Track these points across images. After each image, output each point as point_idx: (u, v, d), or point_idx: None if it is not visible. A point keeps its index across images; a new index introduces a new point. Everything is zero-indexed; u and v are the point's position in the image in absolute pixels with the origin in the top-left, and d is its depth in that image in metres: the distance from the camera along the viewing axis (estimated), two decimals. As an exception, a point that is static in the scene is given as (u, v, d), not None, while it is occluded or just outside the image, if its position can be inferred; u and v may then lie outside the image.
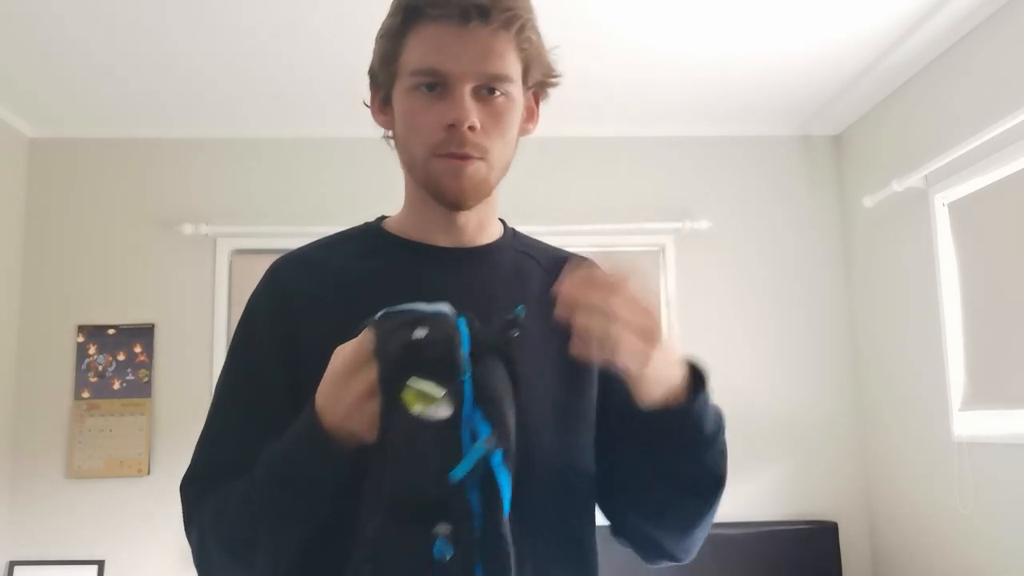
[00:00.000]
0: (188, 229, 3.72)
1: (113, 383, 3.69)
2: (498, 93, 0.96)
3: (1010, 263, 2.84)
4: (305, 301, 1.00)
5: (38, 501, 3.60)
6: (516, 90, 0.98)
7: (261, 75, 3.31)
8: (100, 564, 3.55)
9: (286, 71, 3.27)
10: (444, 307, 0.81)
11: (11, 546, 3.56)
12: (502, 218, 1.14)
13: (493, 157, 0.98)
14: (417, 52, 0.95)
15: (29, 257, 3.76)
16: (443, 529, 0.74)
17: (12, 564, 3.52)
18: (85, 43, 3.01)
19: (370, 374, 0.80)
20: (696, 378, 0.93)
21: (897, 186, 3.31)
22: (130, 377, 3.69)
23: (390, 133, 1.04)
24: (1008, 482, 2.83)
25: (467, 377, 0.77)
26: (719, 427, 0.95)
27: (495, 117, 0.96)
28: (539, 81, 1.03)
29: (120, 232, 3.80)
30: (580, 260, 1.15)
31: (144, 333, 3.72)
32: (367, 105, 1.06)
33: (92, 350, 3.70)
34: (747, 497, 3.77)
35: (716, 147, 3.99)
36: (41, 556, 3.55)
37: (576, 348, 0.84)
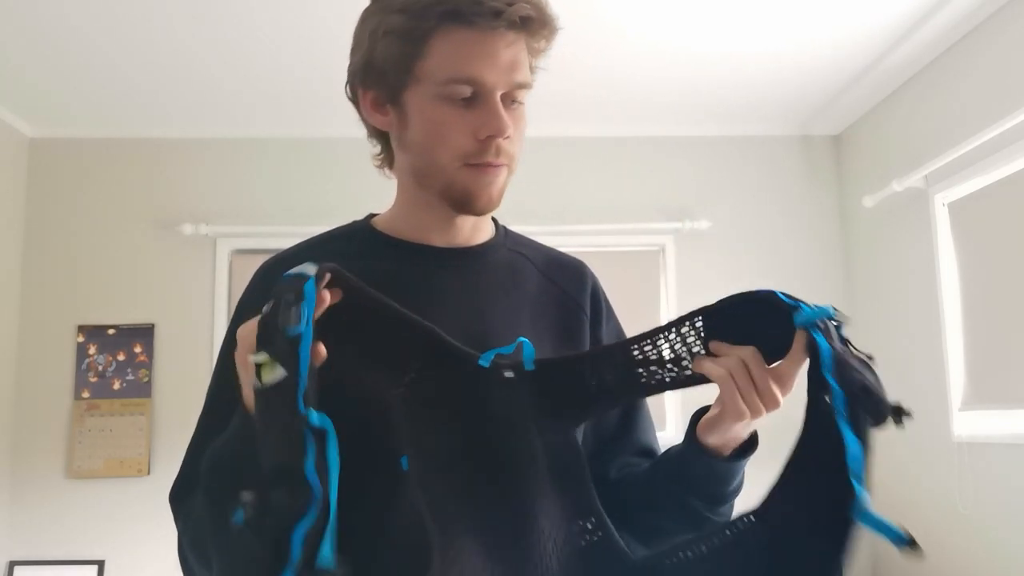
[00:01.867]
0: (188, 229, 3.72)
1: (113, 383, 3.69)
2: (519, 101, 0.98)
3: (1010, 263, 2.84)
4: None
5: (38, 501, 3.60)
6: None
7: (261, 75, 3.31)
8: (100, 564, 3.55)
9: (286, 71, 3.28)
10: (308, 268, 0.78)
11: (11, 546, 3.56)
12: (493, 217, 1.12)
13: (514, 163, 0.99)
14: (450, 59, 0.92)
15: (29, 257, 3.76)
16: (246, 496, 0.71)
17: (12, 564, 3.52)
18: (86, 43, 3.01)
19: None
20: (749, 442, 1.01)
21: (897, 186, 3.31)
22: (130, 377, 3.69)
23: (380, 131, 1.02)
24: (1008, 482, 2.83)
25: (303, 334, 0.74)
26: (736, 490, 1.06)
27: (517, 124, 0.97)
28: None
29: (120, 232, 3.80)
30: (577, 263, 1.15)
31: (144, 333, 3.72)
32: (351, 99, 1.02)
33: (92, 350, 3.70)
34: (747, 497, 3.76)
35: (716, 147, 3.99)
36: (41, 556, 3.55)
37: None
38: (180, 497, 0.98)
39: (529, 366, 0.89)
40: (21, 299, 3.73)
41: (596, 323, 1.09)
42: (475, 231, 1.05)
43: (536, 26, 0.93)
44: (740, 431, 0.97)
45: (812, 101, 3.68)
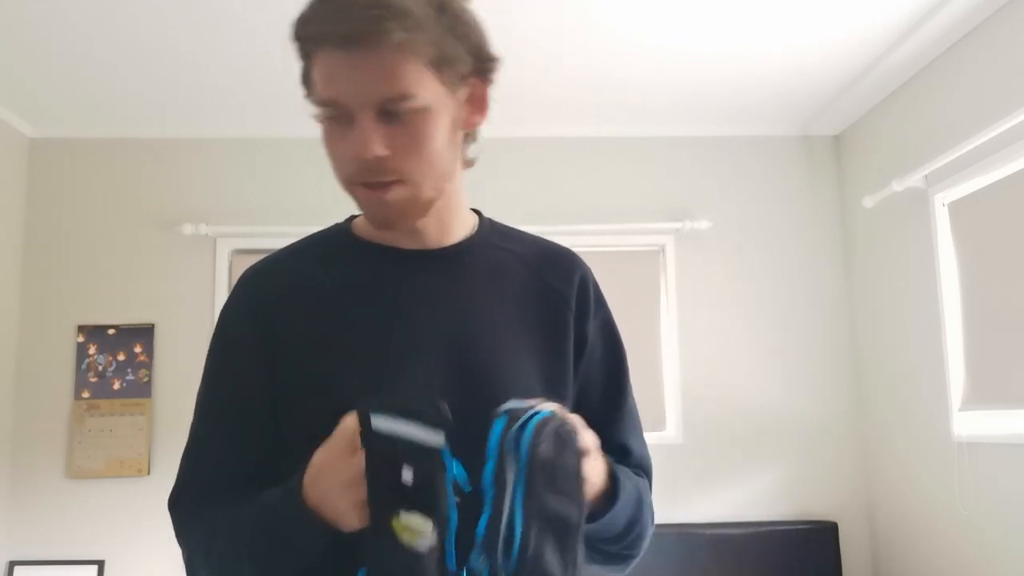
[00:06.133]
0: (188, 229, 3.72)
1: (113, 383, 3.69)
2: (404, 111, 0.89)
3: (1010, 263, 2.84)
4: (277, 313, 1.00)
5: (38, 501, 3.60)
6: (428, 97, 0.90)
7: (261, 75, 3.31)
8: (100, 564, 3.55)
9: (285, 71, 3.26)
10: (433, 437, 0.80)
11: (11, 546, 3.56)
12: (478, 210, 1.11)
13: (414, 176, 0.93)
14: (319, 82, 0.91)
15: (29, 257, 3.76)
16: None
17: (12, 564, 3.52)
18: (85, 43, 3.01)
19: (351, 466, 0.81)
20: (613, 487, 0.96)
21: (897, 186, 3.31)
22: (130, 377, 3.69)
23: None
24: (1008, 482, 2.83)
25: (451, 510, 0.80)
26: (630, 522, 1.00)
27: (407, 136, 0.91)
28: (471, 69, 0.95)
29: (120, 232, 3.80)
30: (566, 255, 1.12)
31: (144, 333, 3.72)
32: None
33: (92, 350, 3.70)
34: (747, 497, 3.77)
35: (716, 147, 3.99)
36: (41, 556, 3.55)
37: None
38: (182, 507, 1.01)
39: None
40: (21, 299, 3.73)
41: (582, 317, 1.07)
42: (445, 232, 1.03)
43: (376, 36, 0.85)
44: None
45: (812, 101, 3.68)
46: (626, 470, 1.02)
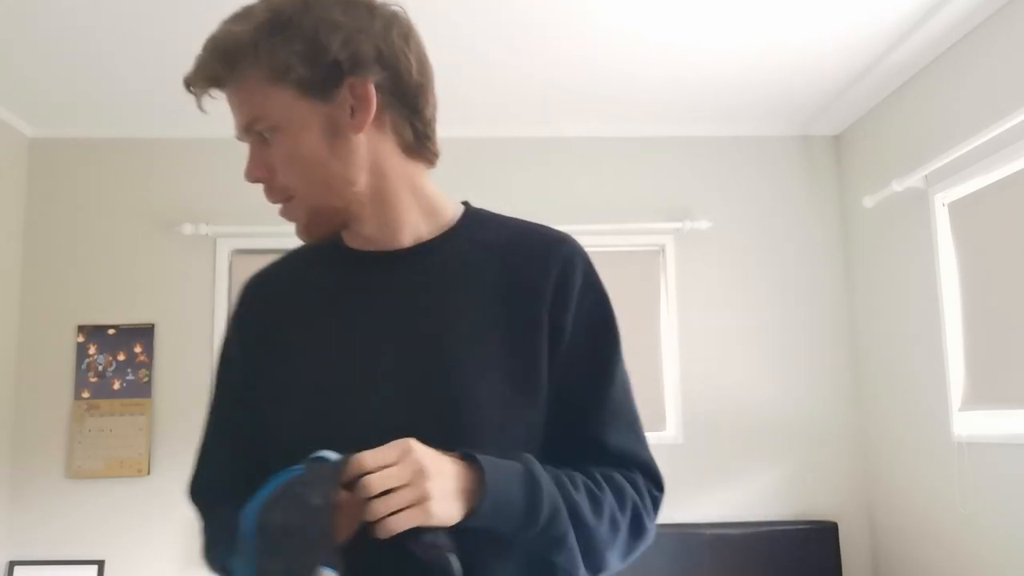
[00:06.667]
0: (188, 229, 3.72)
1: (113, 383, 3.69)
2: (266, 133, 0.97)
3: (1010, 263, 2.84)
4: (257, 324, 1.05)
5: (38, 501, 3.60)
6: (279, 114, 0.94)
7: (261, 75, 3.30)
8: (100, 564, 3.55)
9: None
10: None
11: (11, 546, 3.56)
12: (467, 202, 1.08)
13: (299, 190, 0.97)
14: None
15: (29, 257, 3.76)
16: None
17: (12, 564, 3.52)
18: (85, 43, 3.01)
19: None
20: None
21: (897, 186, 3.31)
22: (130, 377, 3.69)
23: None
24: (1008, 482, 2.83)
25: None
26: (531, 508, 0.87)
27: (277, 154, 0.97)
28: (328, 74, 0.92)
29: (120, 232, 3.80)
30: (546, 243, 1.04)
31: (144, 333, 3.72)
32: None
33: (92, 350, 3.70)
34: (747, 497, 3.77)
35: (716, 147, 3.99)
36: (41, 556, 3.55)
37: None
38: (194, 502, 1.07)
39: None
40: (21, 299, 3.73)
41: (559, 307, 0.99)
42: (393, 231, 1.01)
43: (224, 74, 0.96)
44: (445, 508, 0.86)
45: (812, 101, 3.68)
46: (530, 461, 0.92)
